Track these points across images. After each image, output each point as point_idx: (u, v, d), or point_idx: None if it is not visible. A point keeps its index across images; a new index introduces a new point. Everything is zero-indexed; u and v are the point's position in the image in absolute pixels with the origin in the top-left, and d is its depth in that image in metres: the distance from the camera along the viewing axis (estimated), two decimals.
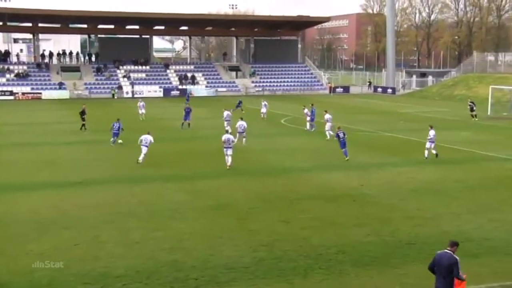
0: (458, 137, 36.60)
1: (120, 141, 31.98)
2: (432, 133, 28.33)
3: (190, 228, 17.05)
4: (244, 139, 31.71)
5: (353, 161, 28.02)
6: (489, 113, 50.90)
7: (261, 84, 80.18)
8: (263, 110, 45.50)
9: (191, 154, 29.71)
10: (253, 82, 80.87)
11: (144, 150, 26.59)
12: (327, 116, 35.32)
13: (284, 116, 45.23)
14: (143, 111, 44.70)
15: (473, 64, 79.44)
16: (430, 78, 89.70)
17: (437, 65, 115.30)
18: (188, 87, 74.96)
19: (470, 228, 17.10)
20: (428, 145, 28.47)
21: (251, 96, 74.12)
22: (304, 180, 23.69)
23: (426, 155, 28.34)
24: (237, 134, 31.23)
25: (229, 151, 25.78)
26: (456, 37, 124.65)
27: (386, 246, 15.51)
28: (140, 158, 26.52)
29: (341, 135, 28.21)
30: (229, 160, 25.76)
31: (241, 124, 31.86)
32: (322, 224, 17.45)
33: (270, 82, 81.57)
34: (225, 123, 35.94)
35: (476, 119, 45.89)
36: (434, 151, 28.49)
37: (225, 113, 37.33)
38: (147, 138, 26.88)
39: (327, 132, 34.56)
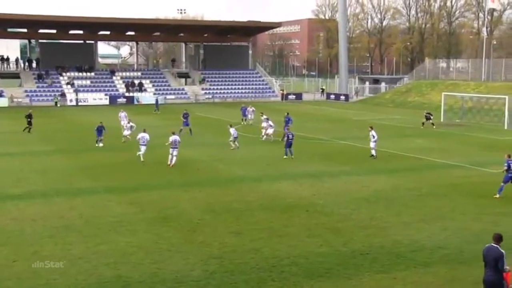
0: (412, 145, 37.43)
1: (101, 144, 34.30)
2: (373, 133, 31.36)
3: (135, 241, 16.79)
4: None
5: (305, 169, 28.29)
6: (442, 120, 52.28)
7: (211, 91, 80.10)
8: (250, 116, 47.03)
9: (136, 164, 29.33)
10: (203, 89, 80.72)
11: (142, 149, 28.96)
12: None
13: (235, 124, 45.22)
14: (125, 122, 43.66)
15: (426, 70, 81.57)
16: (383, 84, 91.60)
17: (390, 71, 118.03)
18: (136, 94, 74.19)
19: (422, 236, 17.45)
20: (372, 145, 31.35)
21: (201, 103, 73.95)
22: (255, 190, 23.72)
23: (374, 153, 31.21)
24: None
25: (175, 152, 27.99)
26: (409, 43, 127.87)
27: (339, 257, 15.66)
28: (142, 158, 28.52)
29: (290, 136, 31.35)
30: (173, 160, 27.75)
31: (143, 136, 29.90)
32: (274, 235, 17.48)
33: (221, 89, 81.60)
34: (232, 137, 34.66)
35: (434, 127, 47.06)
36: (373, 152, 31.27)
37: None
38: (144, 136, 29.20)
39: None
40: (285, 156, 31.06)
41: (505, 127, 47.77)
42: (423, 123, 48.20)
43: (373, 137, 31.67)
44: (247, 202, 21.60)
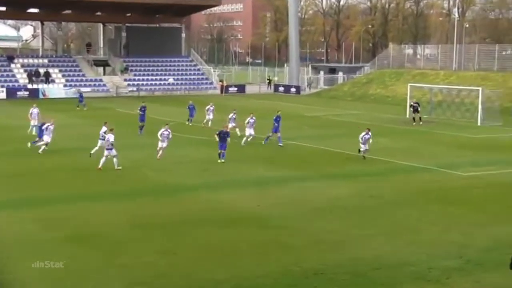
0: (374, 145, 38.15)
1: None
2: (362, 135, 32.41)
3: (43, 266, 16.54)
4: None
5: (249, 175, 28.52)
6: (407, 116, 53.53)
7: (136, 83, 79.48)
8: (208, 117, 45.35)
9: (47, 172, 28.87)
10: (125, 80, 79.99)
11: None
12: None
13: (163, 122, 45.00)
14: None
15: (389, 58, 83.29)
16: (340, 74, 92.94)
17: (349, 59, 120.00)
18: (42, 86, 72.77)
19: (386, 252, 17.90)
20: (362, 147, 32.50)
21: (123, 97, 73.23)
22: (190, 201, 23.73)
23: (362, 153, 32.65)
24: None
25: (108, 153, 28.91)
26: (370, 26, 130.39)
27: (289, 278, 15.87)
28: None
29: (221, 134, 31.85)
30: (114, 161, 28.90)
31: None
32: (212, 254, 17.56)
33: (148, 80, 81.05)
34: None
35: (421, 123, 48.08)
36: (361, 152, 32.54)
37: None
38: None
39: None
40: (219, 160, 31.31)
41: (478, 124, 49.42)
42: (413, 118, 49.25)
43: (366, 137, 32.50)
44: (181, 215, 21.60)
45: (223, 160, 31.28)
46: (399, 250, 18.13)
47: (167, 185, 26.75)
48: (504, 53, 74.38)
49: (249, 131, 36.86)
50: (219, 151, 31.56)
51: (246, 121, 37.04)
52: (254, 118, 37.14)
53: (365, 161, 32.45)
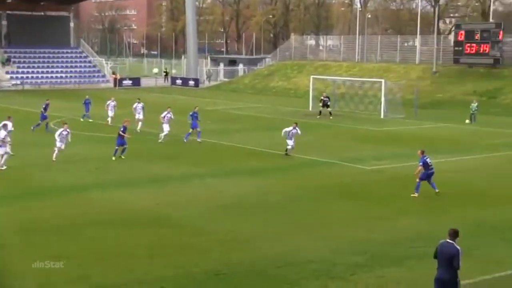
0: (276, 139, 38.65)
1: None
2: (289, 130, 32.38)
3: None
4: None
5: (146, 173, 28.34)
6: (310, 109, 54.58)
7: (19, 76, 77.20)
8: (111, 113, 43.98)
9: None
10: (7, 72, 77.56)
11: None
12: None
13: (54, 118, 44.00)
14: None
15: (291, 49, 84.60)
16: (241, 66, 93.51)
17: (249, 50, 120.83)
18: None
19: (290, 249, 18.21)
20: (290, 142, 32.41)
21: (5, 91, 70.95)
22: (82, 202, 23.33)
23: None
24: None
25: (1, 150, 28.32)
26: (271, 16, 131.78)
27: (190, 280, 15.90)
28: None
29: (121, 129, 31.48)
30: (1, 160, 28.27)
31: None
32: (107, 258, 17.34)
33: (33, 72, 79.04)
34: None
35: (331, 117, 48.86)
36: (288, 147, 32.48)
37: None
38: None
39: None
40: (116, 157, 31.23)
41: (381, 116, 51.01)
42: (320, 112, 50.03)
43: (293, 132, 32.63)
44: (72, 217, 21.17)
45: (123, 157, 31.18)
46: (303, 247, 18.49)
47: (56, 185, 26.16)
48: (405, 44, 77.08)
49: (166, 127, 36.49)
50: (117, 147, 31.29)
51: (163, 115, 36.70)
52: (171, 113, 36.82)
53: (266, 156, 32.86)
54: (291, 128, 32.60)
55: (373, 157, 32.96)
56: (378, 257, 17.61)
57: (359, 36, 77.01)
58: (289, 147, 32.53)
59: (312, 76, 60.17)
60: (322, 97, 51.50)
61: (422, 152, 24.69)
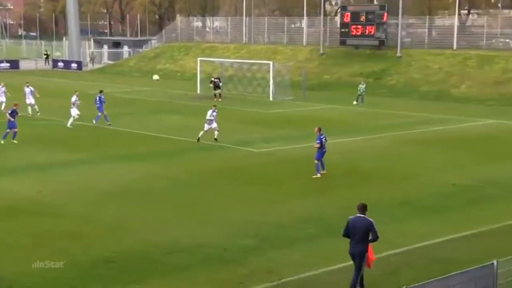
0: (164, 122, 38.58)
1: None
2: (209, 113, 31.95)
3: None
4: None
5: (27, 160, 27.76)
6: (198, 92, 54.59)
7: None
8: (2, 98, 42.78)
9: None
10: None
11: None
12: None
13: None
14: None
15: (178, 31, 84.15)
16: (125, 48, 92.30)
17: (134, 32, 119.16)
18: None
19: (180, 235, 18.25)
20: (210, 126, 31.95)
21: None
22: None
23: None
24: None
25: None
26: None
27: (78, 269, 15.67)
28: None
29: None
30: None
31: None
32: None
33: None
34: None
35: (220, 99, 48.75)
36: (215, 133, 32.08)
37: None
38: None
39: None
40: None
41: (270, 98, 51.67)
42: (215, 95, 50.00)
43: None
44: None
45: (15, 141, 31.00)
46: (194, 232, 18.57)
47: None
48: (293, 26, 78.11)
49: (75, 111, 36.13)
50: (8, 130, 31.18)
51: (72, 100, 36.31)
52: (78, 97, 36.72)
53: (155, 140, 32.76)
54: (210, 111, 32.22)
55: (263, 140, 33.37)
56: (269, 240, 17.92)
57: (246, 18, 77.40)
58: (205, 128, 32.05)
59: (199, 58, 60.11)
60: (212, 79, 51.61)
61: (319, 130, 25.35)
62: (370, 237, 13.81)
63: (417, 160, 29.10)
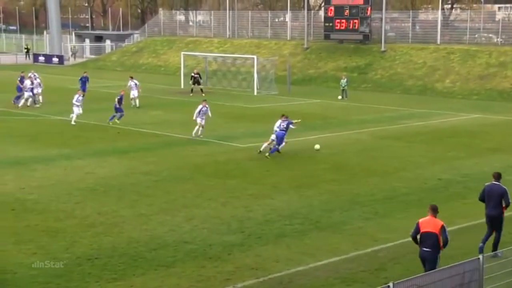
0: (146, 117, 38.37)
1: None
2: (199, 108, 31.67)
3: None
4: None
5: (8, 155, 27.55)
6: (182, 86, 54.36)
7: None
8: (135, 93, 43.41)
9: None
10: None
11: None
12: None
13: None
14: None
15: (160, 25, 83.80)
16: (108, 43, 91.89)
17: (116, 26, 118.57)
18: None
19: (164, 231, 18.13)
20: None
21: None
22: None
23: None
24: None
25: None
26: None
27: (61, 266, 15.52)
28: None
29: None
30: None
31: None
32: None
33: None
34: None
35: (203, 94, 48.50)
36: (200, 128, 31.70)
37: None
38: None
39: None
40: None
41: (255, 93, 51.55)
42: (192, 90, 49.80)
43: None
44: None
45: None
46: (178, 228, 18.45)
47: None
48: (277, 20, 78.01)
49: (76, 110, 35.96)
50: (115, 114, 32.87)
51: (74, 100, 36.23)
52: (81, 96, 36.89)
53: (136, 135, 32.61)
54: (201, 106, 31.92)
55: (248, 135, 33.27)
56: (255, 235, 17.83)
57: (230, 12, 77.16)
58: (200, 128, 31.71)
59: (182, 53, 59.84)
60: (192, 74, 51.42)
61: (284, 116, 27.35)
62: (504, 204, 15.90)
63: (402, 154, 29.10)
